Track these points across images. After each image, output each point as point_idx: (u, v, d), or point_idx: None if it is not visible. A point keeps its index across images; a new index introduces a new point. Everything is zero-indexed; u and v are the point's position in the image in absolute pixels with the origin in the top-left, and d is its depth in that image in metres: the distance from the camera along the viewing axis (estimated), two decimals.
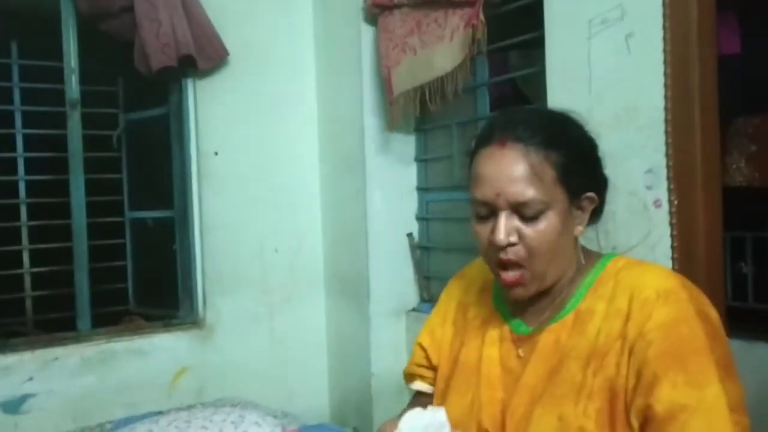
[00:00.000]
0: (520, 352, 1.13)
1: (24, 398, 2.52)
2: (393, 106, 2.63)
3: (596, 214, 1.15)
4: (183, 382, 2.80)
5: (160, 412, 2.49)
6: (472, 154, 1.12)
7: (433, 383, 1.31)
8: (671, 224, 1.77)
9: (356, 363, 2.86)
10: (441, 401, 1.23)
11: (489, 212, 1.08)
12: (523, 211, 1.05)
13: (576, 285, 1.11)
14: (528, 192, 1.03)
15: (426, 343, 1.31)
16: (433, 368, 1.30)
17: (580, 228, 1.10)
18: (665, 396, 0.95)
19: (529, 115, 1.12)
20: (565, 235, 1.08)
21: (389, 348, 2.77)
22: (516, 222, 1.06)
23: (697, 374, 0.96)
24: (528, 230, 1.05)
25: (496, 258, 1.08)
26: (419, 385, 1.32)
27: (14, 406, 2.50)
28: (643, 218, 1.82)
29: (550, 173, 1.05)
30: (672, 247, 1.77)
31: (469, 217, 1.12)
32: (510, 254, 1.06)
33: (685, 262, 1.76)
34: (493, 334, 1.19)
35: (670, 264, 1.76)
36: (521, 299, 1.12)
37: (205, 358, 2.85)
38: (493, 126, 1.10)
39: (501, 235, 1.05)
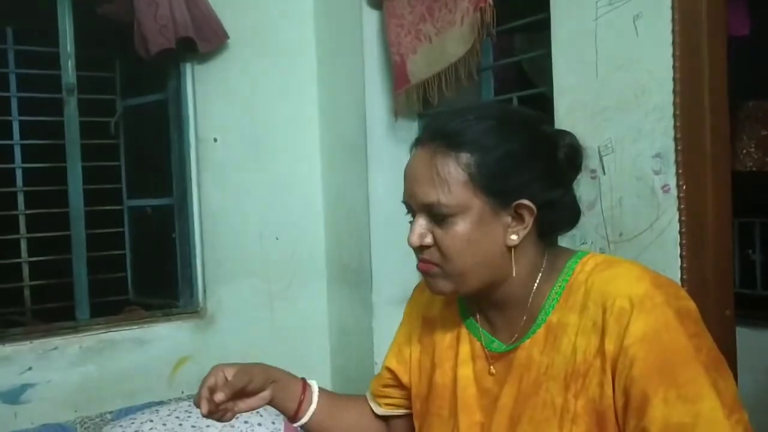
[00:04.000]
0: (492, 369, 1.08)
1: (23, 388, 2.50)
2: (403, 94, 2.58)
3: (561, 222, 1.08)
4: (183, 372, 2.77)
5: (161, 402, 2.48)
6: None
7: (400, 404, 1.27)
8: (679, 209, 1.73)
9: (358, 352, 2.84)
10: (421, 422, 1.19)
11: (411, 213, 1.05)
12: (433, 213, 1.01)
13: (545, 295, 1.05)
14: (431, 195, 1.00)
15: (393, 365, 1.27)
16: (403, 387, 1.26)
17: (514, 237, 1.01)
18: (658, 416, 0.90)
19: (459, 115, 1.05)
20: (487, 242, 1.01)
21: (392, 337, 2.73)
22: (431, 225, 1.02)
23: (689, 386, 0.90)
24: (440, 233, 1.01)
25: (417, 257, 1.06)
26: (383, 411, 1.29)
27: (14, 395, 2.49)
28: (651, 203, 1.78)
29: (459, 176, 0.99)
30: (680, 232, 1.73)
31: None
32: (425, 255, 1.04)
33: (693, 248, 1.73)
34: (464, 352, 1.13)
35: (678, 250, 1.73)
36: (438, 294, 1.08)
37: (205, 347, 2.82)
38: (424, 125, 1.08)
39: (413, 237, 1.03)
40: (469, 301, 1.16)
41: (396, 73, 2.61)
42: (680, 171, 1.73)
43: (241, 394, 1.12)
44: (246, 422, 2.18)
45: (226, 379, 1.11)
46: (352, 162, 2.85)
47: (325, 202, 3.05)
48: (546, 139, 1.07)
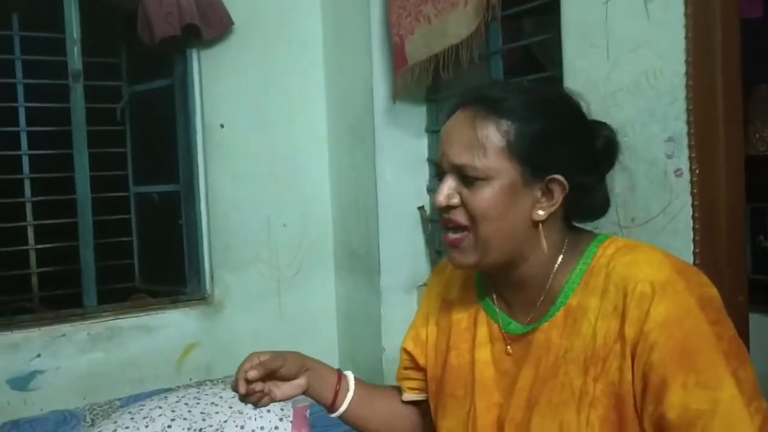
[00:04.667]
0: (510, 349, 1.09)
1: (32, 375, 2.52)
2: (401, 75, 2.57)
3: (590, 209, 1.08)
4: (191, 359, 2.78)
5: (169, 389, 2.48)
6: None
7: (423, 387, 1.27)
8: (692, 194, 1.71)
9: (367, 338, 2.83)
10: (436, 402, 1.19)
11: (441, 175, 1.06)
12: (463, 175, 1.02)
13: (564, 277, 1.04)
14: (464, 156, 1.01)
15: (410, 347, 1.28)
16: (421, 369, 1.26)
17: (541, 213, 1.02)
18: (677, 402, 0.90)
19: (505, 85, 1.09)
20: (515, 212, 1.01)
21: (400, 323, 2.72)
22: (459, 186, 1.03)
23: (709, 372, 0.90)
24: (468, 195, 1.02)
25: (442, 220, 1.06)
26: (408, 396, 1.29)
27: (23, 382, 2.50)
28: (663, 188, 1.76)
29: (497, 141, 1.00)
30: (693, 217, 1.71)
31: None
32: (451, 215, 1.04)
33: (706, 233, 1.71)
34: (482, 334, 1.13)
35: (691, 235, 1.71)
36: (459, 267, 1.08)
37: (213, 334, 2.82)
38: (466, 90, 1.08)
39: (440, 197, 1.04)
40: (487, 282, 1.16)
41: (395, 55, 2.59)
42: (693, 155, 1.71)
43: (275, 378, 1.14)
44: (255, 408, 2.18)
45: (260, 362, 1.13)
46: (359, 147, 2.84)
47: (333, 188, 3.04)
48: (586, 124, 1.07)
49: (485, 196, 1.00)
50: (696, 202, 1.71)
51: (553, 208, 1.02)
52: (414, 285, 2.81)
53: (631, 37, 1.82)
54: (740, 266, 1.78)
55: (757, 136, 2.43)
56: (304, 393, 1.19)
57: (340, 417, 1.24)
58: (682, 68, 1.71)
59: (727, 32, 1.72)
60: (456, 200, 1.03)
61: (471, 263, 1.05)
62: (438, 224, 2.84)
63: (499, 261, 1.04)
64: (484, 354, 1.12)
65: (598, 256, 1.03)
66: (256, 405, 1.14)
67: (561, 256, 1.05)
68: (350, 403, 1.23)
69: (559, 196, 1.02)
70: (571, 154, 1.03)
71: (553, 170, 1.01)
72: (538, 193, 1.02)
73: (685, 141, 1.72)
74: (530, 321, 1.07)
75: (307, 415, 2.26)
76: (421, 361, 1.25)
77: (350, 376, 1.26)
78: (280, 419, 2.18)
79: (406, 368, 1.29)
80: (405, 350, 1.29)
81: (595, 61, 1.90)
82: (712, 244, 1.70)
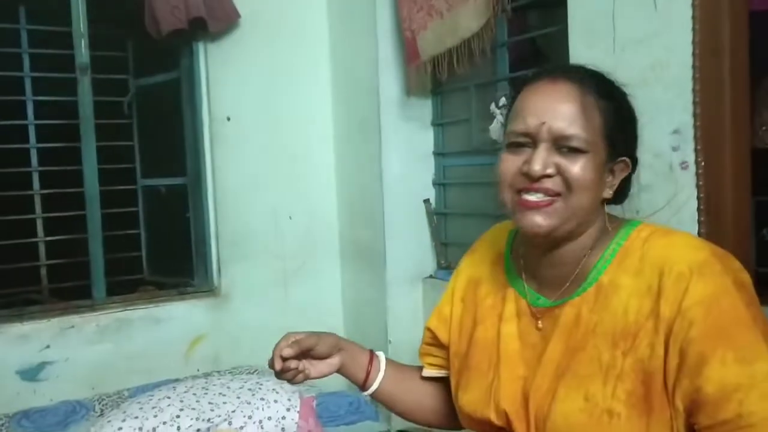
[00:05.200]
0: (540, 323, 1.10)
1: (42, 366, 2.54)
2: (415, 70, 2.57)
3: (623, 192, 1.12)
4: (199, 350, 2.80)
5: (178, 380, 2.50)
6: (516, 94, 1.10)
7: (443, 364, 1.29)
8: (698, 187, 1.71)
9: (373, 330, 2.84)
10: (458, 378, 1.21)
11: (526, 144, 1.04)
12: (562, 146, 1.02)
13: (597, 255, 1.07)
14: (573, 127, 1.01)
15: (433, 324, 1.30)
16: (443, 346, 1.28)
17: (609, 191, 1.06)
18: (715, 376, 0.92)
19: (581, 66, 1.11)
20: (599, 187, 1.05)
21: (406, 315, 2.75)
22: (554, 157, 1.02)
23: (746, 349, 0.92)
24: (566, 163, 1.02)
25: (522, 185, 1.03)
26: (428, 372, 1.32)
27: (32, 373, 2.53)
28: (668, 180, 1.76)
29: (598, 119, 1.03)
30: (698, 210, 1.72)
31: (489, 180, 1.09)
32: (543, 183, 1.02)
33: (711, 226, 1.71)
34: (509, 309, 1.15)
35: (696, 228, 1.71)
36: (535, 232, 1.04)
37: (220, 325, 2.84)
38: (543, 69, 1.10)
39: (537, 165, 1.01)
40: (516, 263, 1.18)
41: (407, 49, 2.59)
42: (699, 147, 1.71)
43: (309, 357, 1.19)
44: (262, 399, 2.19)
45: (295, 341, 1.17)
46: (365, 140, 2.84)
47: (339, 181, 3.05)
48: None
49: (584, 167, 1.02)
50: (701, 195, 1.71)
51: (614, 188, 1.07)
52: (419, 277, 2.82)
53: (637, 29, 1.82)
54: (746, 260, 1.77)
55: (764, 128, 2.40)
56: (338, 372, 1.24)
57: (372, 395, 1.29)
58: (689, 60, 1.71)
59: (734, 24, 1.72)
60: (552, 170, 1.02)
61: (550, 227, 1.03)
62: (442, 217, 2.84)
63: (567, 231, 1.05)
64: (510, 328, 1.14)
65: (632, 238, 1.06)
66: (291, 381, 1.18)
67: (598, 235, 1.08)
68: (381, 383, 1.28)
69: (619, 177, 1.07)
70: (634, 138, 1.10)
71: (624, 152, 1.07)
72: (608, 173, 1.06)
73: (690, 133, 1.72)
74: (559, 297, 1.09)
75: (314, 405, 2.27)
76: (444, 338, 1.27)
77: (382, 356, 1.30)
78: (288, 409, 2.19)
79: (428, 344, 1.32)
80: (428, 328, 1.31)
81: (601, 53, 1.89)
82: (717, 237, 1.70)
